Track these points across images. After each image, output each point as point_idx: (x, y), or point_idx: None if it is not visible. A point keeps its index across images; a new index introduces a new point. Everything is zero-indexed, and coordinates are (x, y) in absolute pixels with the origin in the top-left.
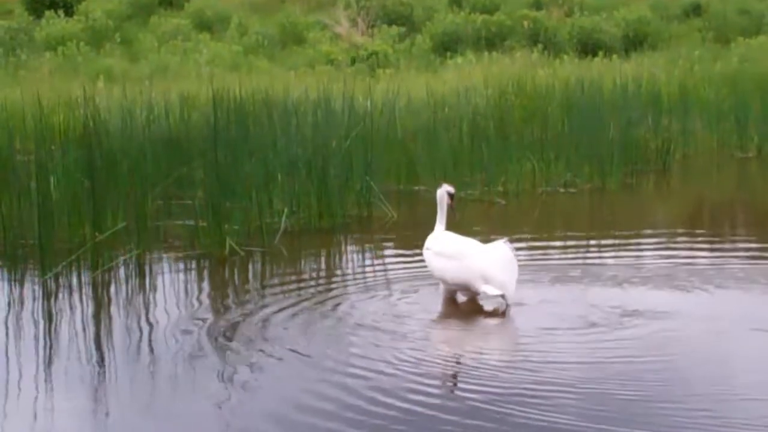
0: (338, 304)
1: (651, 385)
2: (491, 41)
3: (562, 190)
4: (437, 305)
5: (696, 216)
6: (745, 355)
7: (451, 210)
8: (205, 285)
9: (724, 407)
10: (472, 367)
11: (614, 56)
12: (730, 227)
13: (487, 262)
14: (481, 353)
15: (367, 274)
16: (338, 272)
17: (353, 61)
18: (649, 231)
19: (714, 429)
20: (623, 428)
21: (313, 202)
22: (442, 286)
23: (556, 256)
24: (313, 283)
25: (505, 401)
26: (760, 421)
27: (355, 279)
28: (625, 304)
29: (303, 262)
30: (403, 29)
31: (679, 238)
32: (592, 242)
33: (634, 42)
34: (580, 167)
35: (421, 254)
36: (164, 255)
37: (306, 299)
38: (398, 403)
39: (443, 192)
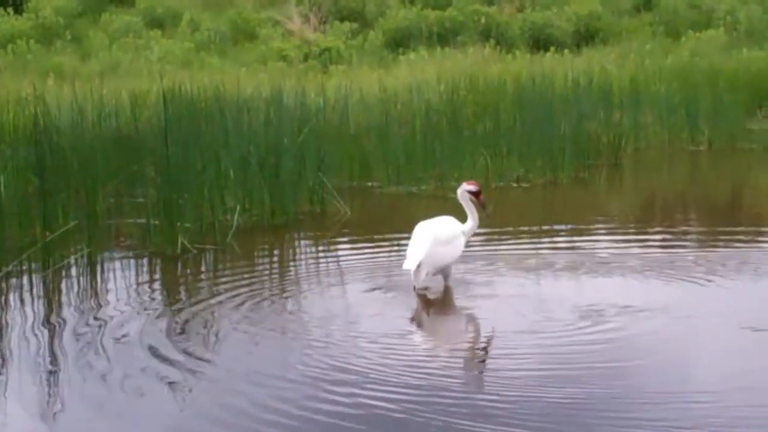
0: (291, 302)
1: (601, 382)
2: (444, 37)
3: (515, 184)
4: (390, 301)
5: (648, 209)
6: (705, 346)
7: (481, 207)
8: (157, 283)
9: (671, 406)
10: (414, 365)
11: (566, 51)
12: (681, 219)
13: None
14: (429, 351)
15: (321, 271)
16: (291, 269)
17: (305, 58)
18: (601, 224)
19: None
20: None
21: (265, 198)
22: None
23: (509, 250)
24: (266, 280)
25: (439, 404)
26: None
27: (308, 276)
28: (579, 298)
29: (256, 260)
30: (355, 25)
31: (632, 231)
32: (545, 236)
33: (586, 37)
34: (532, 162)
35: (374, 249)
36: (116, 253)
37: (258, 297)
38: (352, 399)
39: (462, 191)
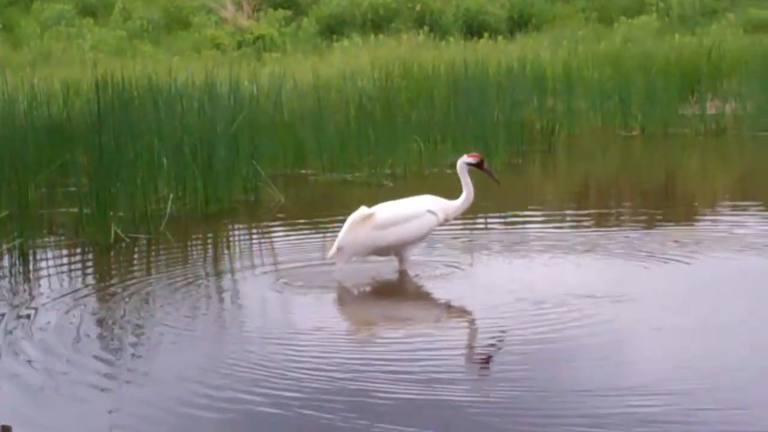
0: (224, 289)
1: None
2: (377, 24)
3: (449, 171)
4: (325, 287)
5: (581, 194)
6: (641, 329)
7: (490, 176)
8: (90, 273)
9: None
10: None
11: (499, 37)
12: (614, 203)
13: None
14: (354, 340)
15: (255, 259)
16: (225, 257)
17: (239, 45)
18: (535, 209)
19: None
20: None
21: (199, 187)
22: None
23: (442, 235)
24: (199, 269)
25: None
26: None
27: (242, 263)
28: (512, 282)
29: (189, 248)
30: (289, 12)
31: (564, 215)
32: (479, 221)
33: (519, 23)
34: (466, 148)
35: (308, 237)
36: (48, 243)
37: (192, 285)
38: (282, 392)
39: (461, 163)
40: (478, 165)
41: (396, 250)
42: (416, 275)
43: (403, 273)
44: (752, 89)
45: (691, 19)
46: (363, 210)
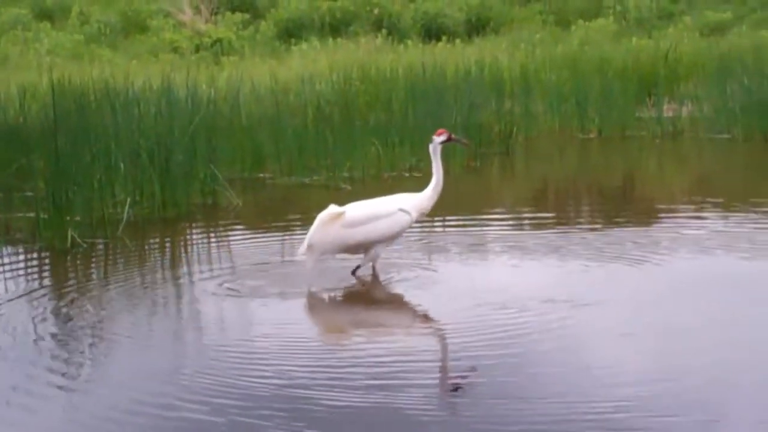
0: (181, 294)
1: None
2: (336, 27)
3: (407, 174)
4: (281, 292)
5: (538, 196)
6: (601, 329)
7: (461, 143)
8: (47, 277)
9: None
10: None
11: (457, 41)
12: (571, 205)
13: None
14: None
15: (212, 262)
16: (182, 261)
17: (197, 49)
18: (493, 211)
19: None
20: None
21: (156, 191)
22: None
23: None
24: (156, 272)
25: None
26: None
27: (199, 268)
28: (473, 284)
29: (146, 252)
30: (247, 16)
31: (522, 217)
32: (437, 223)
33: (477, 26)
34: (424, 151)
35: (265, 241)
36: (4, 248)
37: (148, 289)
38: (241, 389)
39: (434, 145)
40: (449, 139)
41: (367, 248)
42: (372, 277)
43: (369, 277)
44: (709, 92)
45: (648, 22)
46: (332, 208)
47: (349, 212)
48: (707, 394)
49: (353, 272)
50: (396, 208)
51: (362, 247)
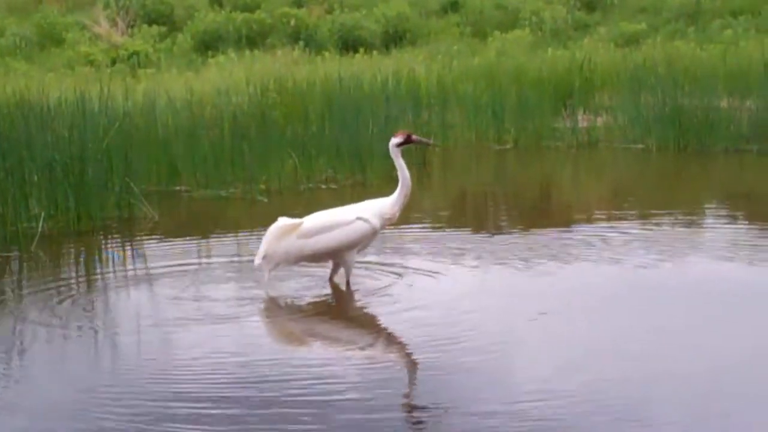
0: (96, 308)
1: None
2: (253, 39)
3: (323, 186)
4: (196, 304)
5: (455, 206)
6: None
7: (425, 144)
8: None
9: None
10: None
11: (375, 52)
12: (487, 215)
13: None
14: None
15: (128, 276)
16: (98, 275)
17: (113, 62)
18: (409, 223)
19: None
20: None
21: (71, 204)
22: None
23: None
24: (72, 286)
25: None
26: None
27: (115, 281)
28: (395, 292)
29: (61, 266)
30: (163, 28)
31: (438, 228)
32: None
33: (395, 38)
34: (341, 163)
35: (181, 253)
36: None
37: (64, 302)
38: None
39: (392, 146)
40: (408, 141)
41: (330, 258)
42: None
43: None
44: (623, 102)
45: (564, 33)
46: (283, 221)
47: (306, 222)
48: (631, 400)
49: (347, 284)
50: (354, 216)
51: (323, 257)
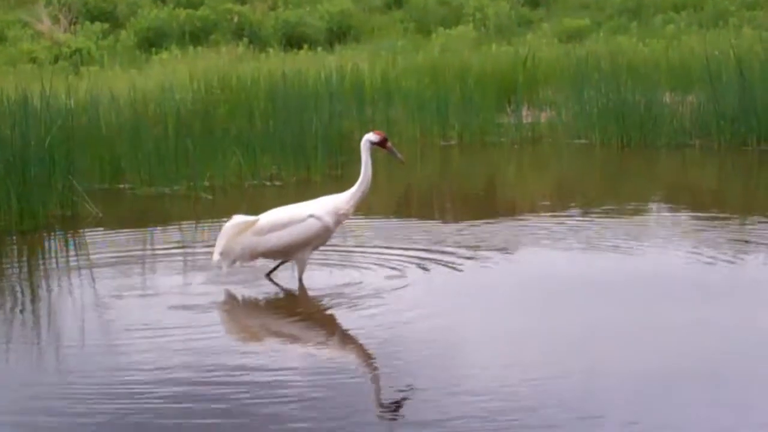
0: (39, 307)
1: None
2: (196, 36)
3: (268, 183)
4: (140, 300)
5: (400, 202)
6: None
7: (393, 154)
8: None
9: None
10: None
11: (319, 49)
12: (433, 210)
13: None
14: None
15: (72, 274)
16: (40, 274)
17: (56, 59)
18: (354, 219)
19: None
20: None
21: (13, 203)
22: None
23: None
24: (14, 286)
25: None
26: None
27: (58, 280)
28: (331, 287)
29: (2, 266)
30: (106, 25)
31: (390, 224)
32: None
33: (339, 34)
34: (285, 160)
35: (125, 251)
36: None
37: (6, 303)
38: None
39: (365, 141)
40: (382, 143)
41: (285, 255)
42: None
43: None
44: (567, 98)
45: (508, 29)
46: (238, 218)
47: (261, 219)
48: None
49: (267, 275)
50: (306, 214)
51: (279, 254)
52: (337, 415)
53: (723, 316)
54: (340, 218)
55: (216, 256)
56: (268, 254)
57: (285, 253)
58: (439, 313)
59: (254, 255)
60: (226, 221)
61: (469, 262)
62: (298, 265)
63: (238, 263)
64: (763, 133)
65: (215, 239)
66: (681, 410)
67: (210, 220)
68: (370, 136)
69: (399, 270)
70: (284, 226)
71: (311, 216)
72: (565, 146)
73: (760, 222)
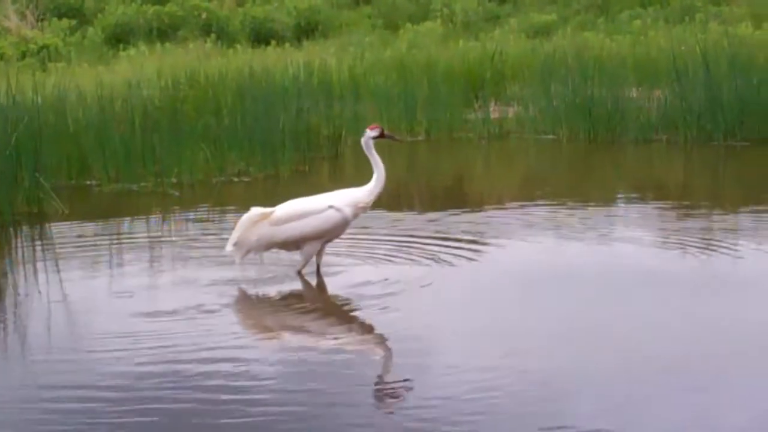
0: (6, 306)
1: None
2: (164, 32)
3: (236, 179)
4: (114, 297)
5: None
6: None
7: (394, 139)
8: None
9: None
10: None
11: (287, 45)
12: (404, 207)
13: None
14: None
15: (38, 271)
16: (5, 271)
17: (23, 56)
18: None
19: None
20: None
21: None
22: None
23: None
24: None
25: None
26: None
27: (25, 277)
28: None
29: None
30: (74, 22)
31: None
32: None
33: (306, 30)
34: (253, 156)
35: (92, 248)
36: None
37: None
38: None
39: (366, 139)
40: (382, 135)
41: (297, 245)
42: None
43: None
44: (534, 93)
45: (475, 25)
46: (256, 210)
47: (278, 210)
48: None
49: (298, 272)
50: (326, 205)
51: (293, 244)
52: (324, 403)
53: (693, 307)
54: (358, 211)
55: (229, 247)
56: (284, 245)
57: (299, 244)
58: (421, 305)
59: (270, 245)
60: (193, 216)
61: (435, 256)
62: (303, 257)
63: (251, 254)
64: (729, 128)
65: (184, 233)
66: (651, 402)
67: (176, 216)
68: (370, 133)
69: (370, 263)
70: (302, 216)
71: (331, 207)
72: (532, 141)
73: (724, 214)
